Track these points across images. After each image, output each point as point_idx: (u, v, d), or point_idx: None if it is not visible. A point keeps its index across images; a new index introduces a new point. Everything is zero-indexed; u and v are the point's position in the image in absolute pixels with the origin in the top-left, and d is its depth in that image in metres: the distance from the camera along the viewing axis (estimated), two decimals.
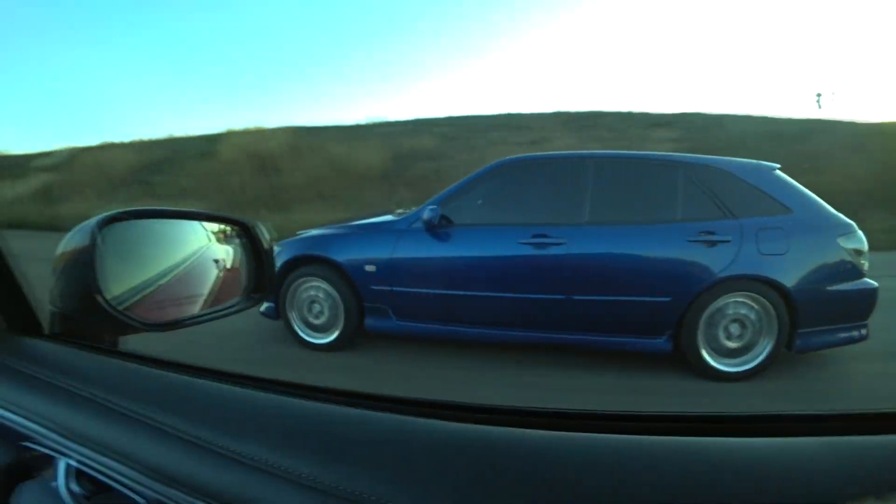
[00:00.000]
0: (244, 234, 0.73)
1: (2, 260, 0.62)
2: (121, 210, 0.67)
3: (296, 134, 11.75)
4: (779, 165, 2.55)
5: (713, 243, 2.26)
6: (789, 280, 2.23)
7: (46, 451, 0.46)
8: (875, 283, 2.37)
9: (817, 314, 2.28)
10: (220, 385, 0.45)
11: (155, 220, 0.71)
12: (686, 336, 2.29)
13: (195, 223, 0.77)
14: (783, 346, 2.29)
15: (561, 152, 3.28)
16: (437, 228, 2.48)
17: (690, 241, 2.29)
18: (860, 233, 2.39)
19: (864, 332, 2.34)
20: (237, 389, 0.44)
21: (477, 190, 2.61)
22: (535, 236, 2.38)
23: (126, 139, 13.96)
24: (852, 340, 2.35)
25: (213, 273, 0.81)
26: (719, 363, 2.31)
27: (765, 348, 2.30)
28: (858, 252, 2.35)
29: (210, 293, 0.78)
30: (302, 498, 0.30)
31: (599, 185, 2.45)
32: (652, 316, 2.33)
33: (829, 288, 2.29)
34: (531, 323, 2.49)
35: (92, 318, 0.60)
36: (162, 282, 0.73)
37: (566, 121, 12.07)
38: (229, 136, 12.21)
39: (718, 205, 2.35)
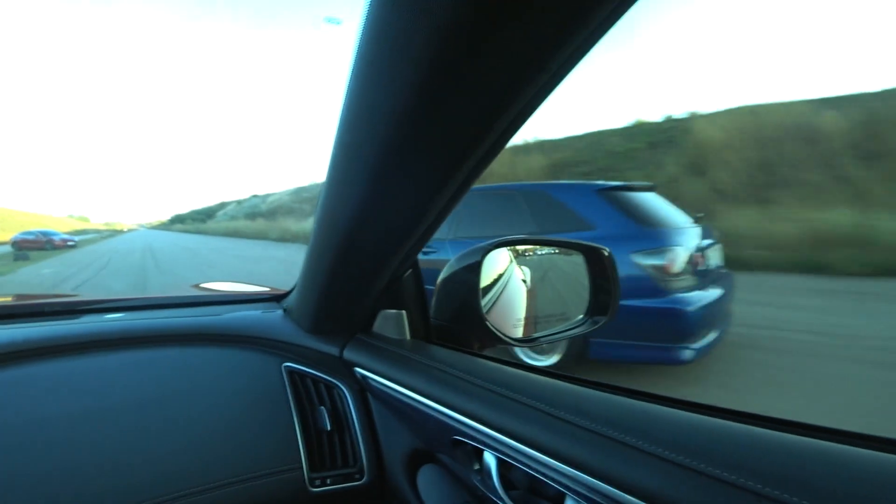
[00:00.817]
0: (593, 260, 0.76)
1: (417, 280, 0.73)
2: (506, 238, 0.75)
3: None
4: (650, 184, 3.16)
5: None
6: None
7: (473, 443, 0.50)
8: (692, 306, 2.31)
9: (609, 327, 2.87)
10: (596, 393, 0.46)
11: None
12: None
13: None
14: (579, 352, 2.64)
15: None
16: None
17: None
18: (675, 252, 2.42)
19: (684, 354, 2.27)
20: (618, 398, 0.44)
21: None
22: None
23: None
24: (668, 360, 2.34)
25: (524, 293, 0.78)
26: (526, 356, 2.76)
27: (560, 352, 2.71)
28: (660, 269, 2.35)
29: (530, 313, 0.79)
30: None
31: (464, 210, 3.19)
32: None
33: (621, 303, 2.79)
34: None
35: (468, 330, 0.69)
36: (504, 302, 0.76)
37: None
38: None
39: (538, 223, 2.91)
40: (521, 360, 2.71)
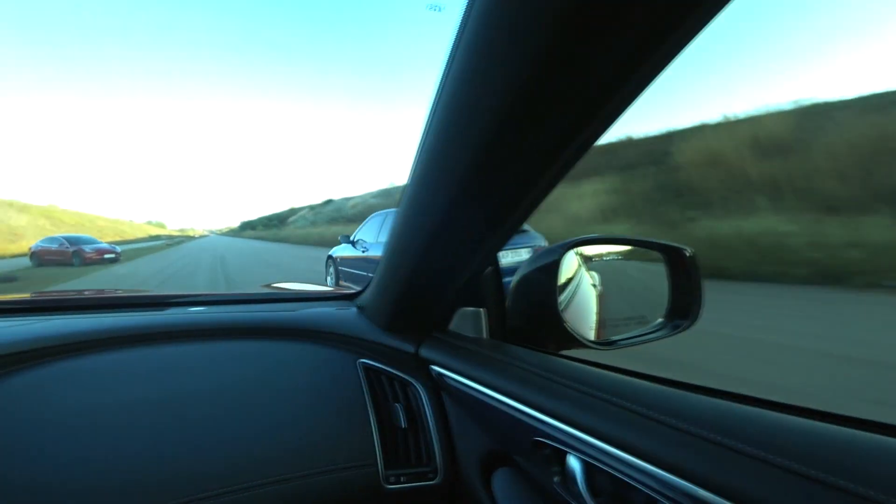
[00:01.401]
0: (674, 260, 0.72)
1: (497, 277, 0.73)
2: (582, 237, 0.71)
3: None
4: None
5: None
6: None
7: (557, 445, 0.48)
8: None
9: None
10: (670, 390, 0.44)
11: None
12: None
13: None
14: None
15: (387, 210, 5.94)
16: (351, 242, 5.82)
17: None
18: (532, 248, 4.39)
19: None
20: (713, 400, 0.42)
21: (365, 224, 5.89)
22: (361, 246, 5.59)
23: None
24: None
25: (594, 296, 0.76)
26: None
27: None
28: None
29: (601, 316, 0.78)
30: None
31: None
32: None
33: None
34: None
35: (545, 331, 0.67)
36: (577, 304, 0.74)
37: None
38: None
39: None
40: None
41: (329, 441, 0.69)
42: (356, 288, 0.99)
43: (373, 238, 5.31)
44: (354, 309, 0.88)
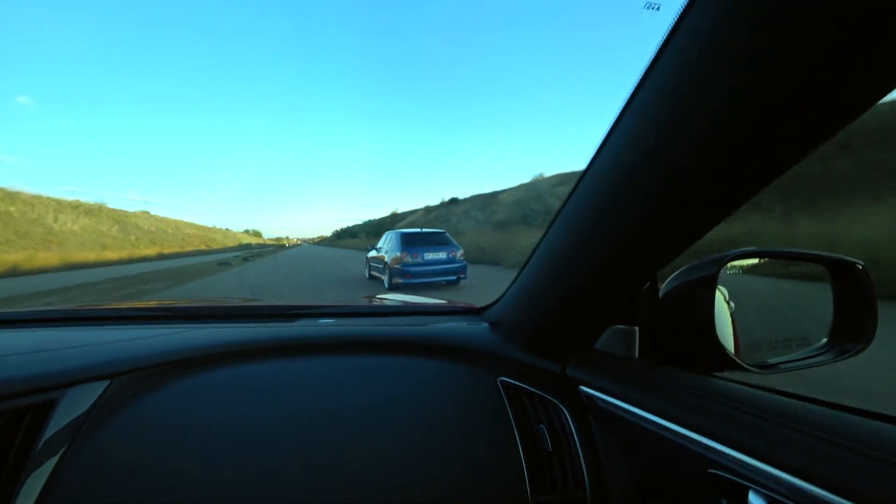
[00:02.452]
0: (841, 275, 0.64)
1: (655, 293, 0.68)
2: (739, 251, 0.66)
3: None
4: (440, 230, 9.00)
5: None
6: None
7: (736, 479, 0.44)
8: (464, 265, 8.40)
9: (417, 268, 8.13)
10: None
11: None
12: None
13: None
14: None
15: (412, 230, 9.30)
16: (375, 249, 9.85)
17: None
18: (459, 250, 8.34)
19: (457, 280, 8.52)
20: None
21: (383, 237, 9.79)
22: (380, 251, 9.48)
23: None
24: (450, 281, 8.53)
25: (728, 313, 0.70)
26: None
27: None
28: (456, 252, 8.30)
29: (737, 336, 0.69)
30: None
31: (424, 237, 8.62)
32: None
33: None
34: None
35: (698, 351, 0.62)
36: (723, 322, 0.67)
37: None
38: None
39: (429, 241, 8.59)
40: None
41: (474, 462, 0.66)
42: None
43: (385, 246, 9.01)
44: (486, 325, 0.85)
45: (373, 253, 9.78)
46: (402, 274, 7.80)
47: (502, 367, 0.76)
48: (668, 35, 0.35)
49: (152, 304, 1.13)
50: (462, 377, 0.76)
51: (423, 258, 7.92)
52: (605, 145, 0.47)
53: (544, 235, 0.63)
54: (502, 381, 0.75)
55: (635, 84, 0.40)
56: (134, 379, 0.65)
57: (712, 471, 0.47)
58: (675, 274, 0.66)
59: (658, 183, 0.43)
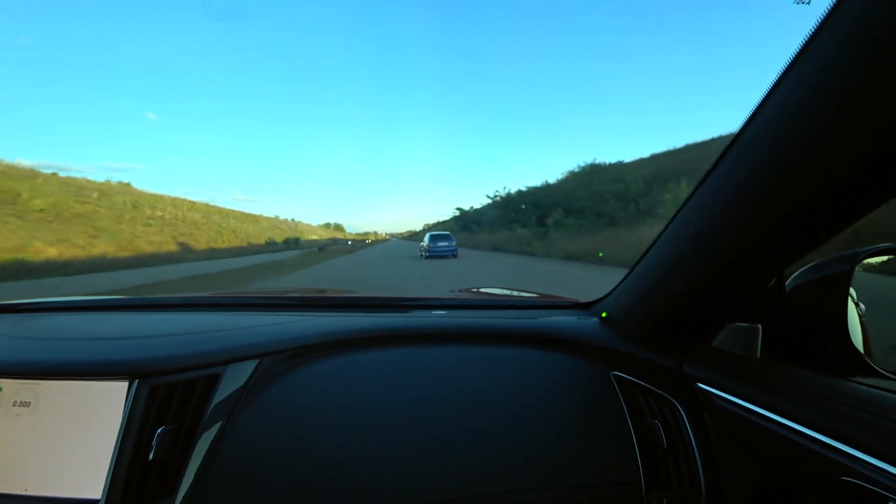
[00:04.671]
0: None
1: (781, 290, 0.65)
2: (878, 246, 0.63)
3: None
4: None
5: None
6: None
7: (877, 489, 0.42)
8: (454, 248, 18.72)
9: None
10: None
11: None
12: None
13: None
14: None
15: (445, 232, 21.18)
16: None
17: None
18: (453, 240, 19.56)
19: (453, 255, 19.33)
20: None
21: (426, 236, 21.93)
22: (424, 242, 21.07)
23: None
24: (450, 256, 19.09)
25: (856, 314, 0.68)
26: None
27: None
28: (452, 244, 19.44)
29: (867, 339, 0.66)
30: None
31: (438, 236, 20.62)
32: None
33: None
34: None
35: (827, 352, 0.60)
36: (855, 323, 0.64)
37: None
38: None
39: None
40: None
41: (585, 453, 0.67)
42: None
43: (424, 240, 20.14)
44: (596, 319, 0.85)
45: (420, 244, 20.88)
46: (429, 252, 18.03)
47: (615, 362, 0.76)
48: (809, 40, 0.34)
49: (278, 293, 1.23)
50: (575, 370, 0.77)
51: (437, 245, 18.40)
52: (737, 141, 0.45)
53: (663, 231, 0.62)
54: (615, 376, 0.75)
55: (771, 84, 0.39)
56: (277, 360, 0.72)
57: (847, 478, 0.44)
58: (801, 270, 0.63)
59: (793, 181, 0.41)
